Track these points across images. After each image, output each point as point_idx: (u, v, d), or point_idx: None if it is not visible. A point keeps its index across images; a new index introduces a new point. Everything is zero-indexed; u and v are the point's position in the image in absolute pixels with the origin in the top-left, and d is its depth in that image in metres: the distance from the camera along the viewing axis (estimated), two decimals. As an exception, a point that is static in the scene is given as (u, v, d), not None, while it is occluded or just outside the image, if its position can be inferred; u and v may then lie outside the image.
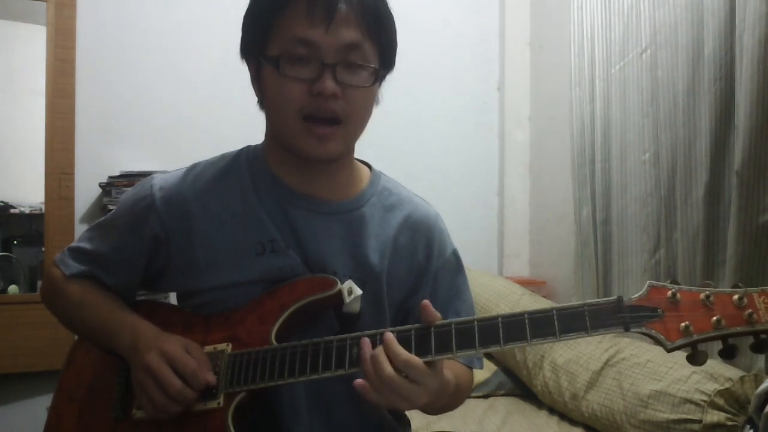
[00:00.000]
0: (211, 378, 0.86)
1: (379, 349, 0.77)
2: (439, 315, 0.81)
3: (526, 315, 0.77)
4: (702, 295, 0.72)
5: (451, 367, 0.90)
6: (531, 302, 2.22)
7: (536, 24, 2.87)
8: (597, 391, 1.75)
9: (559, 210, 2.62)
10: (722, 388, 1.42)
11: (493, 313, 0.79)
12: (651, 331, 0.72)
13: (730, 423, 1.39)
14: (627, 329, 0.73)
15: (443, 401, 0.89)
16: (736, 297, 0.71)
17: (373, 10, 0.89)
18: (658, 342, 0.72)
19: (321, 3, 0.85)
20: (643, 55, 1.99)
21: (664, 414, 1.49)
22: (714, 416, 1.40)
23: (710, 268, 1.69)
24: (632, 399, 1.60)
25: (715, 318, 0.71)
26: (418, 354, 0.77)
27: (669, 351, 0.72)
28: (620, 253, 2.10)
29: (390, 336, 0.78)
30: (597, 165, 2.21)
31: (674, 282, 0.75)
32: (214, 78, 2.45)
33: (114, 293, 1.01)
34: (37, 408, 1.01)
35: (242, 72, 0.97)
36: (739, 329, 0.70)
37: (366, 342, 0.79)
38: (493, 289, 2.34)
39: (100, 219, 1.05)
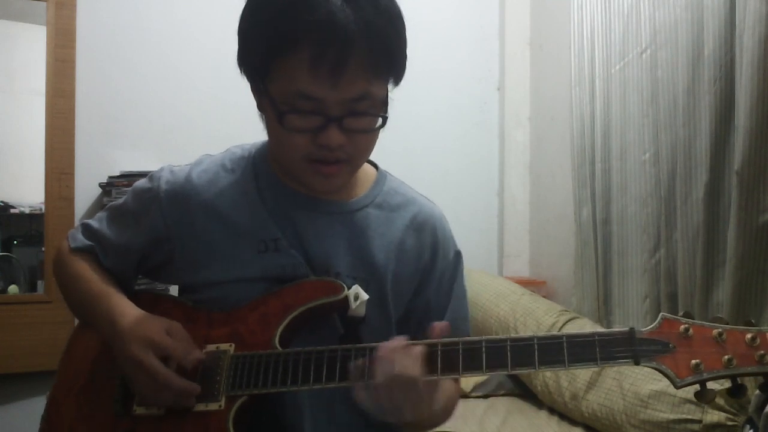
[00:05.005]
0: (198, 354, 0.87)
1: (399, 350, 0.77)
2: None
3: (535, 340, 0.76)
4: (714, 332, 0.72)
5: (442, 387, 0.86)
6: (531, 302, 2.21)
7: (536, 24, 2.87)
8: (597, 391, 1.75)
9: (559, 210, 2.61)
10: (722, 388, 1.42)
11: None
12: (662, 366, 0.72)
13: (730, 423, 1.39)
14: (637, 363, 0.72)
15: (430, 421, 0.89)
16: (749, 336, 0.70)
17: (384, 50, 0.82)
18: (667, 377, 0.72)
19: (328, 58, 0.77)
20: (643, 55, 1.99)
21: (664, 414, 1.49)
22: (714, 416, 1.40)
23: (710, 268, 1.69)
24: (632, 399, 1.60)
25: (726, 357, 0.70)
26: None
27: (678, 388, 0.72)
28: (620, 253, 2.09)
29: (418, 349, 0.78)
30: (597, 165, 2.21)
31: (687, 315, 0.74)
32: (214, 78, 2.44)
33: (110, 274, 1.02)
34: (37, 408, 1.01)
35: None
36: (749, 369, 0.70)
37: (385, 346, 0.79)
38: (493, 289, 2.34)
39: (116, 201, 1.06)
